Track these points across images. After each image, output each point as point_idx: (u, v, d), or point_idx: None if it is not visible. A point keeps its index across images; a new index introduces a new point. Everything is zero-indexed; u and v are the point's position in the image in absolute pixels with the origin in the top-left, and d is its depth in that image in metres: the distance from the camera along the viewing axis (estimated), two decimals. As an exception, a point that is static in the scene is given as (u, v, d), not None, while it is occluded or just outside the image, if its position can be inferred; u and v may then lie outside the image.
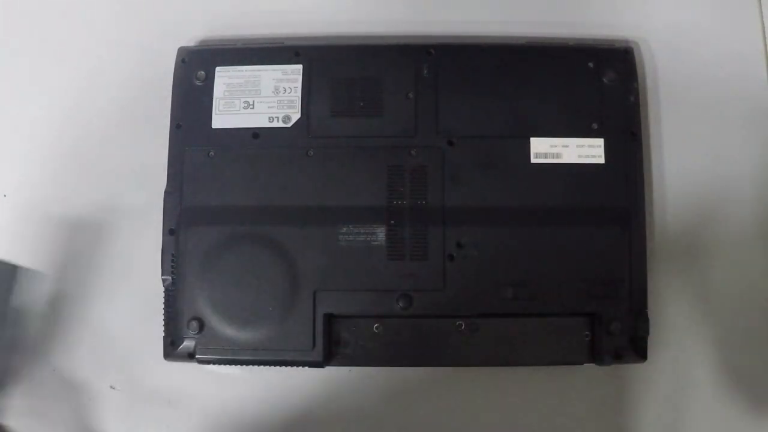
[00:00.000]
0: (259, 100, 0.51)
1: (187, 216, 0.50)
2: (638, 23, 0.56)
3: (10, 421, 0.52)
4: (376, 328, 0.49)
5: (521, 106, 0.51)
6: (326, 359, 0.49)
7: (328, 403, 0.52)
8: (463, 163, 0.50)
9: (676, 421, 0.52)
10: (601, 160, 0.50)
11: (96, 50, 0.57)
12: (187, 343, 0.49)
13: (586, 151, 0.51)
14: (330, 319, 0.49)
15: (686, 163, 0.54)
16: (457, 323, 0.49)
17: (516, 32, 0.55)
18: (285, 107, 0.51)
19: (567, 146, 0.51)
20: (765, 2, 0.56)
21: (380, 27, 0.56)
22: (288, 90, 0.51)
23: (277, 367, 0.50)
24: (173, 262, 0.50)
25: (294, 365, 0.50)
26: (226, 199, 0.50)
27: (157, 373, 0.53)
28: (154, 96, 0.54)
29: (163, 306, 0.50)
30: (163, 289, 0.50)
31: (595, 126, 0.51)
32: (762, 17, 0.56)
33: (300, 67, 0.52)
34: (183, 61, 0.53)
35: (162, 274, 0.50)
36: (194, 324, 0.49)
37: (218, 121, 0.51)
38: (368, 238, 0.49)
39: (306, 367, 0.50)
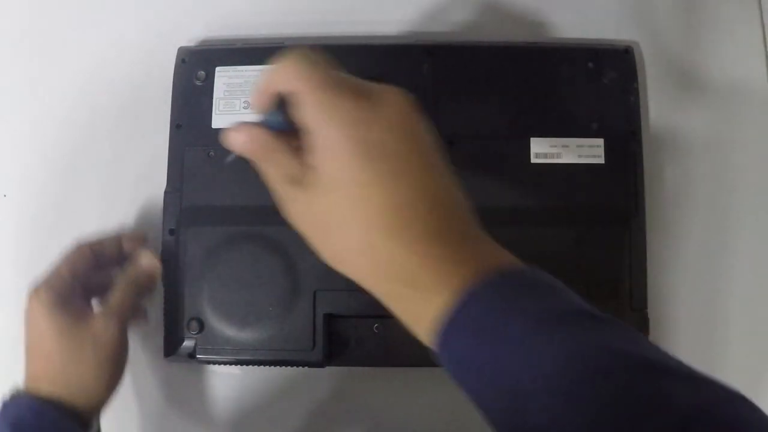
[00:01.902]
0: (259, 100, 0.51)
1: (187, 216, 0.50)
2: (638, 23, 0.56)
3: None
4: (376, 328, 0.49)
5: (521, 106, 0.51)
6: (326, 359, 0.49)
7: (328, 403, 0.52)
8: (463, 163, 0.50)
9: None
10: (601, 160, 0.50)
11: (96, 50, 0.57)
12: (187, 343, 0.49)
13: (586, 151, 0.51)
14: (330, 319, 0.49)
15: (686, 163, 0.54)
16: (457, 323, 0.49)
17: (516, 34, 0.55)
18: (285, 107, 0.51)
19: (567, 146, 0.50)
20: (765, 2, 0.56)
21: (380, 28, 0.56)
22: (288, 90, 0.51)
23: (277, 367, 0.50)
24: (173, 262, 0.50)
25: (294, 365, 0.49)
26: (226, 199, 0.50)
27: (157, 373, 0.53)
28: (154, 96, 0.54)
29: (163, 306, 0.50)
30: (163, 289, 0.50)
31: (595, 126, 0.51)
32: (762, 17, 0.56)
33: (300, 67, 0.52)
34: (183, 61, 0.53)
35: (162, 274, 0.50)
36: (194, 324, 0.49)
37: (218, 121, 0.51)
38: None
39: (306, 367, 0.50)
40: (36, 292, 0.45)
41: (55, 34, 0.57)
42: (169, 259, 0.50)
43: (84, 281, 0.47)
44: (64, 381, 0.43)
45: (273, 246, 0.49)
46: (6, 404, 0.43)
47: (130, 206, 0.54)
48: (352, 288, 0.49)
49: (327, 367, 0.49)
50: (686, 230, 0.53)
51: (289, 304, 0.49)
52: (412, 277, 0.32)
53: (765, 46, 0.56)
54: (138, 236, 0.51)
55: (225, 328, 0.49)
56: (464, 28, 0.55)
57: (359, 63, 0.52)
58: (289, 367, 0.50)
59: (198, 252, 0.50)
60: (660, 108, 0.55)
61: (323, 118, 0.32)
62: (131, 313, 0.48)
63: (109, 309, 0.46)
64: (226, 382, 0.53)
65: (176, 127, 0.51)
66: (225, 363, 0.50)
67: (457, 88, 0.51)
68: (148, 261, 0.49)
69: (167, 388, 0.53)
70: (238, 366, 0.51)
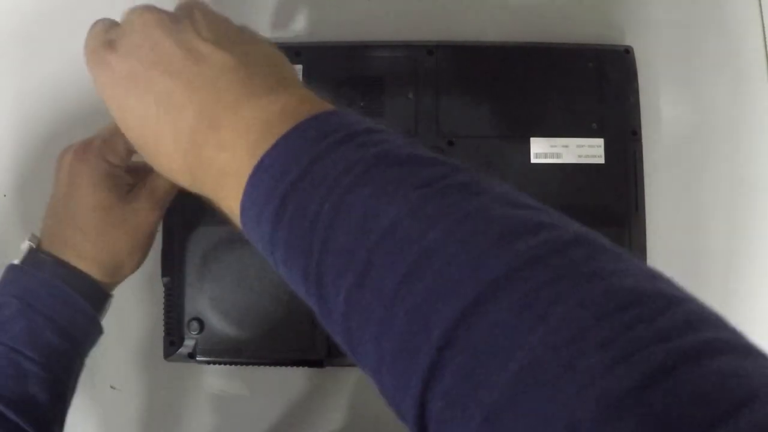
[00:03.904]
0: (259, 100, 0.51)
1: (187, 216, 0.50)
2: (638, 24, 0.56)
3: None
4: (376, 328, 0.49)
5: (521, 106, 0.51)
6: (326, 359, 0.49)
7: (328, 403, 0.52)
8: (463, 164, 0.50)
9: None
10: (601, 160, 0.50)
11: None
12: (187, 343, 0.49)
13: (586, 151, 0.51)
14: (330, 319, 0.49)
15: (686, 163, 0.54)
16: (457, 323, 0.49)
17: (516, 34, 0.55)
18: (285, 107, 0.51)
19: (567, 146, 0.51)
20: (765, 2, 0.56)
21: (381, 27, 0.56)
22: (288, 90, 0.51)
23: (277, 367, 0.50)
24: (173, 262, 0.50)
25: (294, 365, 0.49)
26: (226, 199, 0.50)
27: (157, 373, 0.53)
28: (154, 96, 0.54)
29: (163, 306, 0.50)
30: (163, 289, 0.50)
31: (595, 126, 0.51)
32: (762, 17, 0.56)
33: (300, 67, 0.52)
34: (183, 61, 0.53)
35: (162, 274, 0.50)
36: (194, 324, 0.49)
37: (218, 121, 0.51)
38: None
39: (306, 367, 0.50)
40: (86, 154, 0.42)
41: (56, 33, 0.57)
42: (169, 259, 0.50)
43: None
44: (94, 256, 0.42)
45: (273, 246, 0.49)
46: (14, 271, 0.42)
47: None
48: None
49: (327, 367, 0.49)
50: (686, 230, 0.53)
51: (289, 304, 0.49)
52: (204, 151, 0.31)
53: (765, 46, 0.56)
54: None
55: (225, 328, 0.49)
56: (464, 28, 0.55)
57: (359, 63, 0.52)
58: (289, 367, 0.50)
59: (198, 252, 0.50)
60: (659, 108, 0.55)
61: (94, 83, 0.37)
62: (170, 199, 0.45)
63: (151, 195, 0.43)
64: (226, 382, 0.53)
65: (176, 127, 0.51)
66: (225, 363, 0.50)
67: (457, 88, 0.51)
68: None
69: (167, 388, 0.53)
70: (238, 366, 0.51)
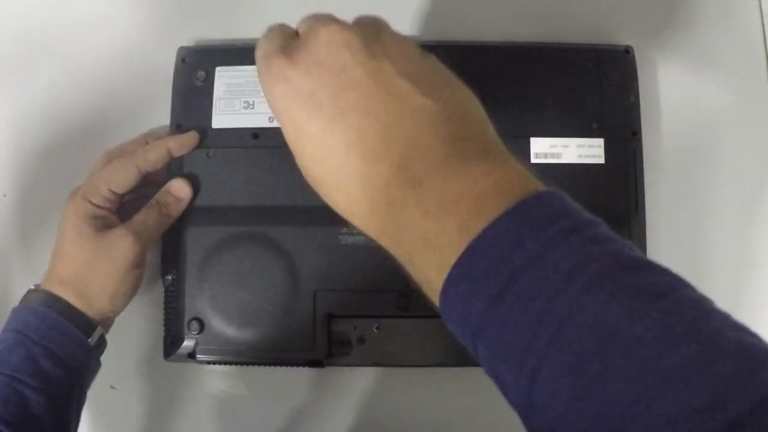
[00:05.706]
0: (260, 100, 0.51)
1: (187, 216, 0.50)
2: (638, 24, 0.56)
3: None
4: (376, 328, 0.49)
5: (521, 106, 0.51)
6: (326, 359, 0.49)
7: (328, 403, 0.52)
8: (463, 163, 0.50)
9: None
10: (601, 160, 0.50)
11: (96, 50, 0.57)
12: (187, 343, 0.49)
13: (586, 151, 0.51)
14: (330, 319, 0.49)
15: (686, 163, 0.54)
16: (457, 323, 0.49)
17: (516, 34, 0.55)
18: (285, 107, 0.51)
19: (567, 146, 0.51)
20: (765, 2, 0.56)
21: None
22: (288, 90, 0.51)
23: (277, 367, 0.50)
24: (173, 262, 0.50)
25: (294, 365, 0.49)
26: (225, 199, 0.50)
27: (157, 373, 0.53)
28: (154, 96, 0.54)
29: (163, 306, 0.50)
30: (163, 289, 0.50)
31: (595, 126, 0.51)
32: (762, 17, 0.56)
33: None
34: (183, 61, 0.53)
35: (162, 274, 0.50)
36: (194, 324, 0.49)
37: (218, 121, 0.51)
38: (368, 238, 0.49)
39: (306, 367, 0.50)
40: (73, 198, 0.47)
41: (55, 33, 0.57)
42: (169, 259, 0.50)
43: (123, 196, 0.48)
44: (75, 285, 0.45)
45: (273, 246, 0.49)
46: (15, 310, 0.45)
47: (130, 206, 0.54)
48: (352, 288, 0.50)
49: (327, 367, 0.49)
50: (686, 230, 0.53)
51: (289, 304, 0.49)
52: (404, 219, 0.29)
53: (765, 46, 0.56)
54: (187, 140, 0.50)
55: (225, 328, 0.49)
56: (464, 28, 0.55)
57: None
58: (289, 367, 0.50)
59: (198, 252, 0.50)
60: (659, 108, 0.55)
61: (265, 93, 0.33)
62: (152, 235, 0.48)
63: (128, 226, 0.46)
64: (226, 382, 0.53)
65: (176, 127, 0.51)
66: (225, 363, 0.50)
67: (457, 88, 0.51)
68: (178, 185, 0.49)
69: (167, 388, 0.53)
70: (238, 366, 0.51)
